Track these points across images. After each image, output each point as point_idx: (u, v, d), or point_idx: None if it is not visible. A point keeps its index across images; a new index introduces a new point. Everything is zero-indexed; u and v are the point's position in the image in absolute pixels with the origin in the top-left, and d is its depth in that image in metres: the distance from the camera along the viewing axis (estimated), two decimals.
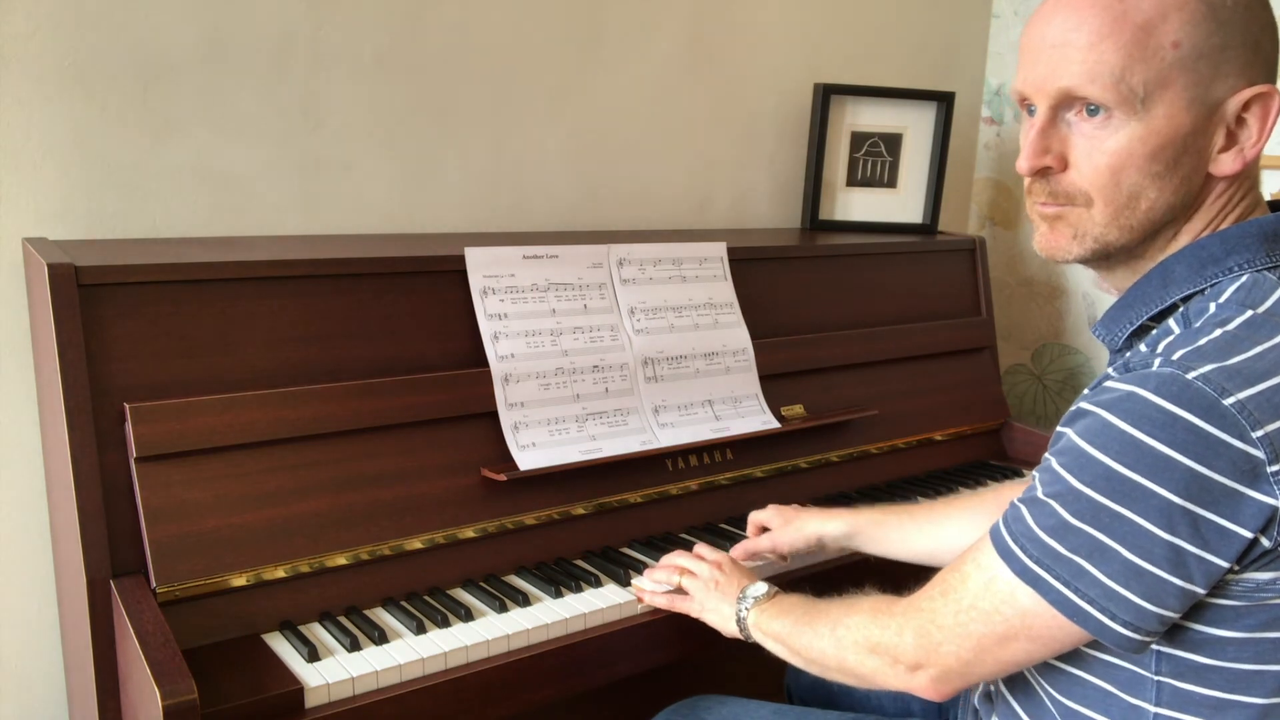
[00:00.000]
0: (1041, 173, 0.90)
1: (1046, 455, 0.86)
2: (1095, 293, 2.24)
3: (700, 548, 1.27)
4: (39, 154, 1.37)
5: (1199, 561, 0.78)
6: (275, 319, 1.26)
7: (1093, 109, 0.86)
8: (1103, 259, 0.92)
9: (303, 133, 1.55)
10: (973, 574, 0.88)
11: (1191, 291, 0.88)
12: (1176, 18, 0.83)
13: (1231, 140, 0.86)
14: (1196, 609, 0.81)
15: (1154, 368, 0.80)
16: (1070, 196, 0.90)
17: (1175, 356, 0.80)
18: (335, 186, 1.59)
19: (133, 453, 1.12)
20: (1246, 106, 0.85)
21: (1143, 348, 0.87)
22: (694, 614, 1.21)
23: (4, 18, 1.32)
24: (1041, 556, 0.82)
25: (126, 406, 1.13)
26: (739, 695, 1.23)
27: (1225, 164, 0.87)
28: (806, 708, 1.22)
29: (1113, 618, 0.80)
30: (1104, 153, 0.87)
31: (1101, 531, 0.79)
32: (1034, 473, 0.88)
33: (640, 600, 1.26)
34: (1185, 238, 0.90)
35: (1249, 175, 0.90)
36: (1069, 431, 0.84)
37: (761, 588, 1.14)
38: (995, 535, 0.87)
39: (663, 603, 1.25)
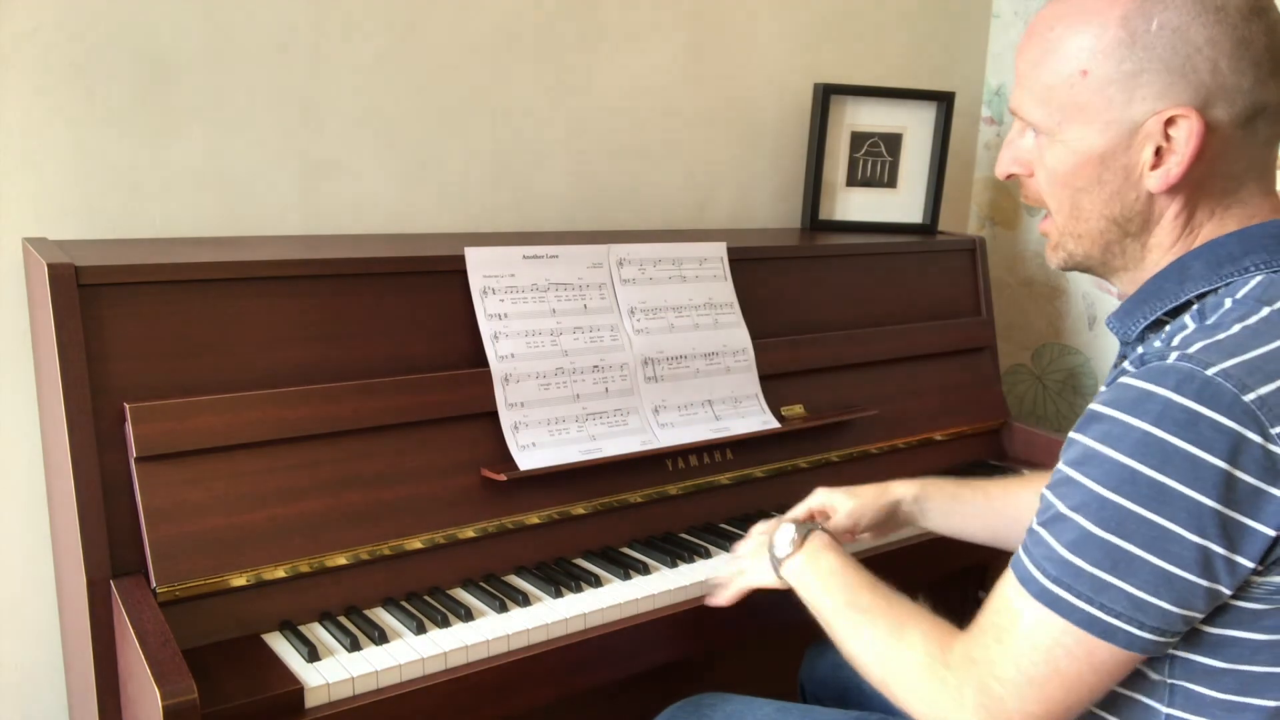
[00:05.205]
0: (1017, 177, 0.98)
1: (1060, 467, 0.83)
2: (1095, 293, 2.24)
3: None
4: (39, 154, 1.37)
5: (1226, 563, 0.77)
6: (275, 319, 1.26)
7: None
8: (1086, 269, 0.97)
9: (303, 133, 1.55)
10: (1024, 610, 0.83)
11: (1206, 289, 0.88)
12: (1090, 46, 0.87)
13: (1160, 159, 0.87)
14: (1215, 611, 0.81)
15: (1170, 361, 0.79)
16: (1039, 201, 0.96)
17: (1191, 351, 0.79)
18: (335, 186, 1.59)
19: (133, 453, 1.12)
20: (1172, 124, 0.85)
21: (1157, 343, 0.87)
22: (750, 586, 1.16)
23: (4, 17, 1.32)
24: (1060, 575, 0.80)
25: (126, 406, 1.13)
26: (743, 693, 1.23)
27: (1154, 181, 0.88)
28: (810, 705, 1.22)
29: (1140, 626, 0.78)
30: (1043, 167, 0.94)
31: (1127, 540, 0.77)
32: (1045, 491, 0.84)
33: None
34: (1156, 252, 0.92)
35: (1225, 189, 0.89)
36: (1083, 438, 0.81)
37: (787, 534, 1.09)
38: (1015, 562, 0.85)
39: (728, 598, 1.18)
